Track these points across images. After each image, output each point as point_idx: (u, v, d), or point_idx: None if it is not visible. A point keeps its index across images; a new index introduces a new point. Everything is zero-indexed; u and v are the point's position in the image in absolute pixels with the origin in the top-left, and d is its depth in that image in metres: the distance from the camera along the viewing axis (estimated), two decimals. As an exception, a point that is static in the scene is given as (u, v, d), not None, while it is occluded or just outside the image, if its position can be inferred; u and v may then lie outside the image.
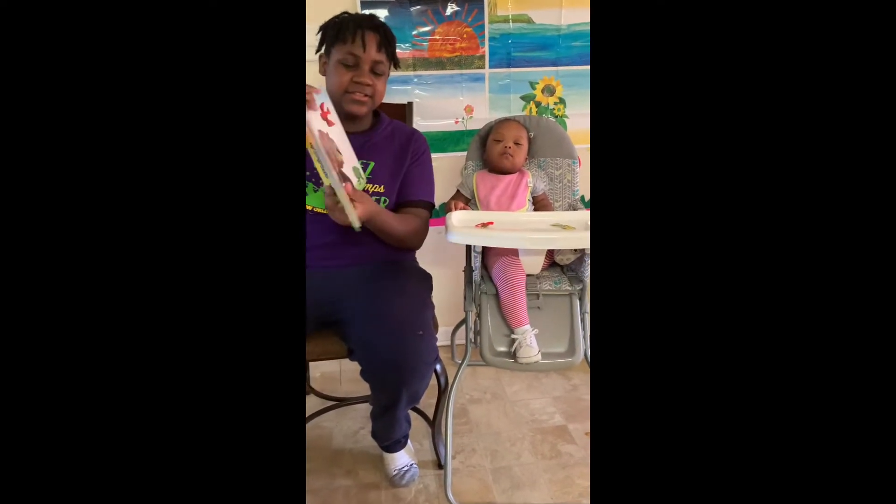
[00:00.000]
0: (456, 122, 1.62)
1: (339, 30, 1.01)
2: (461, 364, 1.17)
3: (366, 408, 1.42)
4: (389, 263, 1.10)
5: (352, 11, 1.08)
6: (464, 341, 1.27)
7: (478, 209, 1.27)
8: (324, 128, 0.93)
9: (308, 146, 0.86)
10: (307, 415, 1.40)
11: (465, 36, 1.56)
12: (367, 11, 1.40)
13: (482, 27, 1.55)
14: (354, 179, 0.98)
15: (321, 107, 0.95)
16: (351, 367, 1.60)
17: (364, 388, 1.21)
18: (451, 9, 1.53)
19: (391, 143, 1.12)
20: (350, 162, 1.00)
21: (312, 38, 1.07)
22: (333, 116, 0.98)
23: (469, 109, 1.62)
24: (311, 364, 1.60)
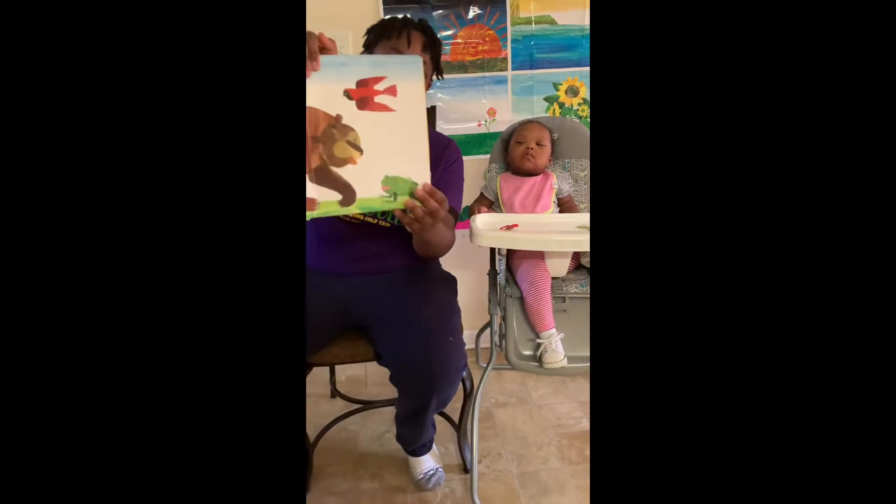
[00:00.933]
0: (479, 125, 1.62)
1: (386, 28, 1.02)
2: (486, 368, 1.17)
3: (391, 411, 1.42)
4: (416, 270, 1.10)
5: (375, 15, 1.09)
6: (489, 344, 1.26)
7: (502, 212, 1.26)
8: (347, 111, 0.69)
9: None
10: (334, 418, 1.41)
11: (487, 39, 1.56)
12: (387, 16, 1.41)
13: (504, 29, 1.55)
14: (375, 192, 0.72)
15: (368, 82, 0.70)
16: (376, 371, 1.61)
17: (389, 391, 1.22)
18: (473, 12, 1.53)
19: None
20: (385, 169, 0.73)
21: (353, 45, 1.08)
22: (398, 100, 0.72)
23: (492, 112, 1.61)
24: (337, 367, 1.61)
